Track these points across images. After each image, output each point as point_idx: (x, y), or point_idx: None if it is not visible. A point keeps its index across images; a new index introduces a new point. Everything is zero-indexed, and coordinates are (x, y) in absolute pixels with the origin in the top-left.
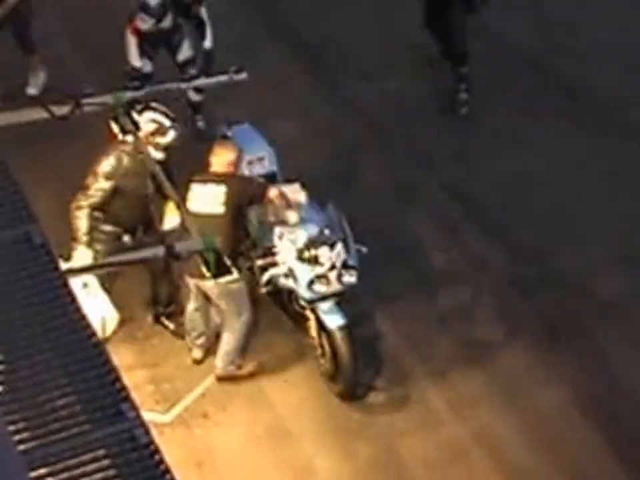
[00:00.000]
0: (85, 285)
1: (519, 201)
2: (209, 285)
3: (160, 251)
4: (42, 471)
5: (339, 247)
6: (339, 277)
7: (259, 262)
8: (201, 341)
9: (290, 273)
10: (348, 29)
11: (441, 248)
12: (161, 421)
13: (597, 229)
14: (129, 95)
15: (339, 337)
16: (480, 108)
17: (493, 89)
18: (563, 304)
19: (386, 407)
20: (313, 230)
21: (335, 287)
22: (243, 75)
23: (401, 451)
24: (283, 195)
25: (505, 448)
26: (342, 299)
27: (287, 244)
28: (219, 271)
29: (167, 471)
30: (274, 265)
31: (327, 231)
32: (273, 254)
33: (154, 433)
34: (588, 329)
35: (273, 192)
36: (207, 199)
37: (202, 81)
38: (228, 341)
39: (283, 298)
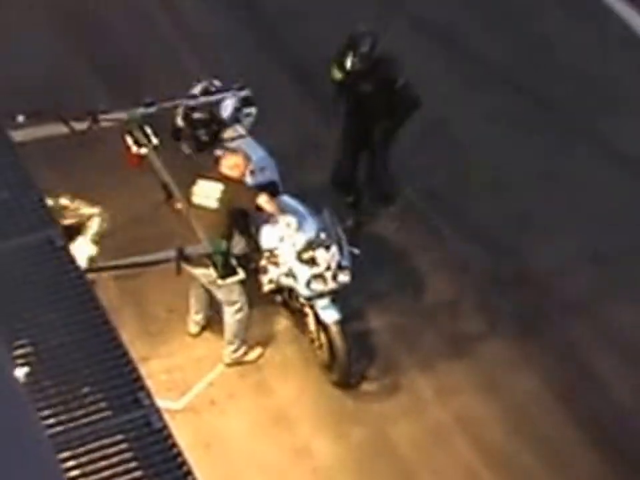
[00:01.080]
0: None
1: (494, 206)
2: (198, 272)
3: (171, 253)
4: (65, 454)
5: (334, 249)
6: (334, 276)
7: (262, 262)
8: (198, 317)
9: (290, 273)
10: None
11: (425, 249)
12: (173, 407)
13: (566, 228)
14: (141, 111)
15: (334, 330)
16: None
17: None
18: (536, 300)
19: (377, 394)
20: (311, 234)
21: (331, 285)
22: (246, 92)
23: (391, 433)
24: (272, 202)
25: (485, 430)
26: (337, 296)
27: (288, 246)
28: (226, 272)
29: (179, 453)
30: (276, 265)
31: (322, 235)
32: (275, 256)
33: (167, 418)
34: (559, 322)
35: (262, 199)
36: (206, 193)
37: (208, 97)
38: (226, 332)
39: (283, 295)
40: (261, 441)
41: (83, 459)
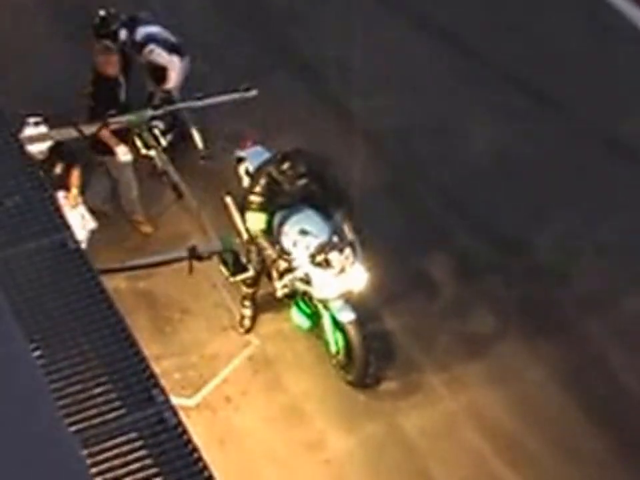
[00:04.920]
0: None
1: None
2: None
3: (183, 252)
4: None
5: (348, 251)
6: (349, 277)
7: (281, 266)
8: (136, 217)
9: (305, 276)
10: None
11: (432, 245)
12: (187, 404)
13: (573, 221)
14: (149, 113)
15: (351, 330)
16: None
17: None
18: (543, 293)
19: (388, 389)
20: (324, 237)
21: (345, 286)
22: (253, 92)
23: (403, 425)
24: None
25: (493, 420)
26: (352, 297)
27: (302, 250)
28: (237, 269)
29: (194, 449)
30: (291, 270)
31: (335, 238)
32: (290, 260)
33: (181, 415)
34: (566, 315)
35: None
36: None
37: (215, 99)
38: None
39: (297, 299)
40: (274, 436)
41: (98, 458)
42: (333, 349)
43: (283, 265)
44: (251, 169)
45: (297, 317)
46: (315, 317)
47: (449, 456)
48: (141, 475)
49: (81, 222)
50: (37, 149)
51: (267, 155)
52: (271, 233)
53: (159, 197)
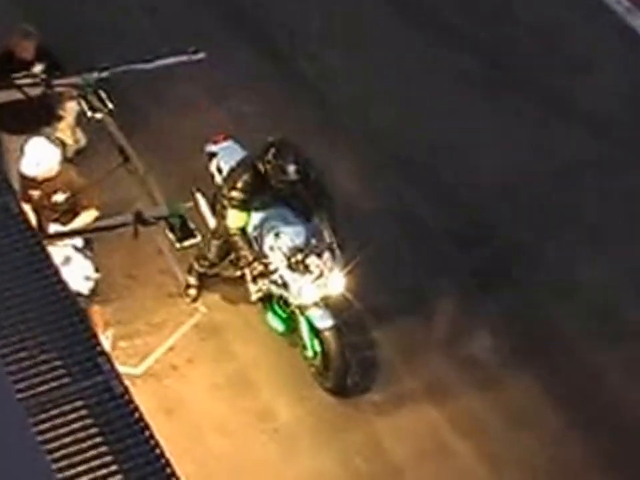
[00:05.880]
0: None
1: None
2: None
3: (128, 217)
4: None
5: (327, 255)
6: (327, 282)
7: (256, 269)
8: None
9: (281, 280)
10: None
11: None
12: (133, 373)
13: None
14: (95, 75)
15: (329, 336)
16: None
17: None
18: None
19: None
20: (301, 240)
21: (324, 291)
22: (200, 55)
23: (352, 394)
24: None
25: (453, 395)
26: (329, 302)
27: (278, 254)
28: (184, 235)
29: (140, 418)
30: (267, 273)
31: (313, 241)
32: (266, 263)
33: (127, 384)
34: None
35: None
36: None
37: (162, 61)
38: None
39: (273, 302)
40: (222, 404)
41: (44, 426)
42: (310, 354)
43: (259, 267)
44: (223, 164)
45: (272, 321)
46: (289, 322)
47: (402, 426)
48: (86, 443)
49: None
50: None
51: (239, 150)
52: (246, 233)
53: (104, 161)
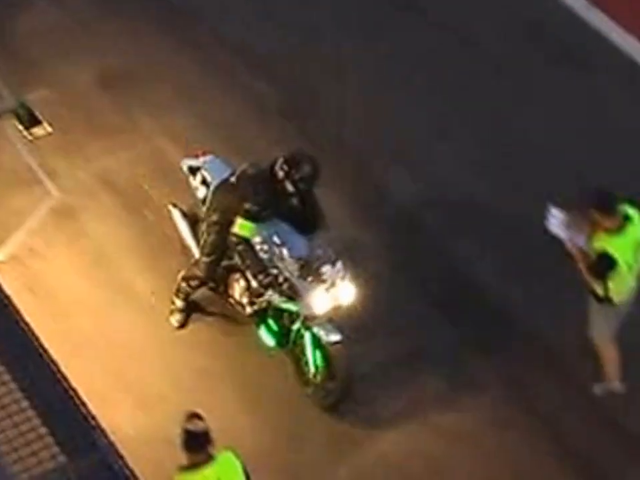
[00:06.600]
0: None
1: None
2: None
3: None
4: None
5: (339, 264)
6: (338, 292)
7: (263, 281)
8: None
9: (289, 292)
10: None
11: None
12: None
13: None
14: None
15: (337, 351)
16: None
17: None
18: None
19: None
20: (310, 250)
21: (335, 301)
22: None
23: None
24: None
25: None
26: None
27: (290, 263)
28: (31, 123)
29: (6, 296)
30: (277, 284)
31: (319, 251)
32: (275, 275)
33: None
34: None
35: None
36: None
37: None
38: None
39: (269, 314)
40: (83, 282)
41: None
42: (312, 369)
43: (268, 278)
44: (209, 178)
45: (264, 335)
46: (282, 337)
47: None
48: None
49: None
50: None
51: (223, 164)
52: (252, 243)
53: None
